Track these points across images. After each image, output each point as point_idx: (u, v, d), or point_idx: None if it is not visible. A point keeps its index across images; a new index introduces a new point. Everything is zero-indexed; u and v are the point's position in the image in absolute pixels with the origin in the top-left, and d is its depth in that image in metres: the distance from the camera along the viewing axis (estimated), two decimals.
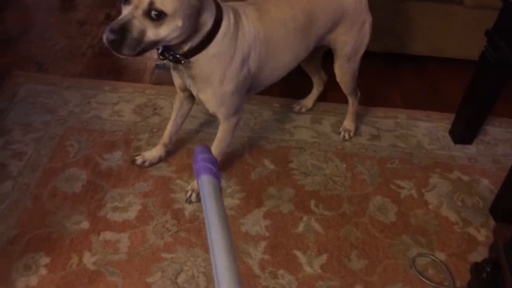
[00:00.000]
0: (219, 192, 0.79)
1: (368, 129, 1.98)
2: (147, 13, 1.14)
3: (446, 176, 1.80)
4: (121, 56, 1.21)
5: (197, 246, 1.47)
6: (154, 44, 1.20)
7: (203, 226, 1.52)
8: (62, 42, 2.31)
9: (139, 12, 1.14)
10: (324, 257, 1.48)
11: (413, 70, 2.36)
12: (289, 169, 1.76)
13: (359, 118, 1.98)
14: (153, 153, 1.70)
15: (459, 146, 1.93)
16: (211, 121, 1.92)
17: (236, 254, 1.41)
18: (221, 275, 0.60)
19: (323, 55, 1.88)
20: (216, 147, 1.55)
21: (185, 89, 1.53)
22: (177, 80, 1.52)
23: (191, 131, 1.87)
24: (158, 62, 1.39)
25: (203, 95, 1.43)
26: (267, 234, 1.52)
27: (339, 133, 1.92)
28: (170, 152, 1.75)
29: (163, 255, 1.43)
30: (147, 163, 1.69)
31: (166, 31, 1.17)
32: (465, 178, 1.79)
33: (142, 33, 1.16)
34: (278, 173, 1.74)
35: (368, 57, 2.31)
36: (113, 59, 2.23)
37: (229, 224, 0.62)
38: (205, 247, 1.46)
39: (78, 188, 1.60)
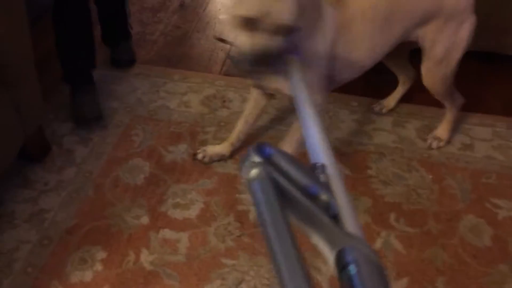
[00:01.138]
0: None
1: (460, 137, 1.74)
2: (282, 31, 1.06)
3: None
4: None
5: (260, 254, 1.34)
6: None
7: None
8: (135, 29, 2.26)
9: (269, 33, 1.05)
10: (404, 281, 1.29)
11: None
12: (367, 176, 1.58)
13: None
14: (217, 149, 1.60)
15: None
16: (282, 118, 1.78)
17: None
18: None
19: (412, 50, 1.67)
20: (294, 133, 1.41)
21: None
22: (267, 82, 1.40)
23: (261, 127, 1.74)
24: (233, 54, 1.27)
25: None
26: None
27: (426, 140, 1.71)
28: (237, 149, 1.63)
29: (224, 261, 1.32)
30: (206, 159, 1.59)
31: (298, 40, 1.11)
32: None
33: (282, 51, 1.07)
34: (355, 179, 1.57)
35: (465, 55, 2.07)
36: (184, 48, 2.16)
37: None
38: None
39: (140, 180, 1.53)
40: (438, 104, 1.69)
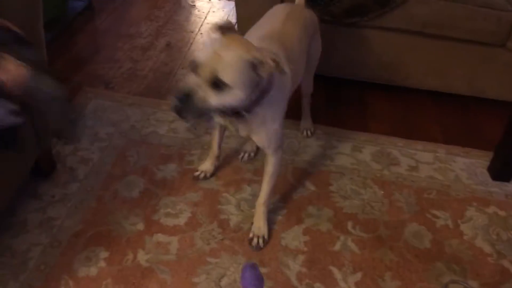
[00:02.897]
0: None
1: (407, 160, 2.06)
2: (210, 83, 1.17)
3: (483, 210, 1.85)
4: (186, 123, 1.24)
5: (239, 254, 1.58)
6: (217, 111, 1.24)
7: (246, 236, 1.64)
8: (127, 65, 2.55)
9: (203, 81, 1.18)
10: (359, 275, 1.56)
11: (455, 107, 2.44)
12: (329, 192, 1.86)
13: (399, 149, 2.08)
14: (208, 165, 1.86)
15: (497, 182, 1.98)
16: None
17: (275, 265, 1.52)
18: None
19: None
20: (269, 181, 1.61)
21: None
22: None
23: (237, 149, 2.01)
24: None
25: (256, 136, 1.50)
26: (305, 249, 1.62)
27: (302, 132, 2.11)
28: (218, 168, 1.90)
29: (209, 259, 1.56)
30: (208, 175, 1.85)
31: (228, 100, 1.21)
32: (502, 213, 1.84)
33: (205, 101, 1.19)
34: (318, 194, 1.85)
35: (414, 92, 2.43)
36: (171, 82, 2.44)
37: None
38: (247, 255, 1.57)
39: (135, 194, 1.77)
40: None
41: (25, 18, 1.38)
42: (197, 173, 1.85)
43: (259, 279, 0.99)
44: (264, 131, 1.49)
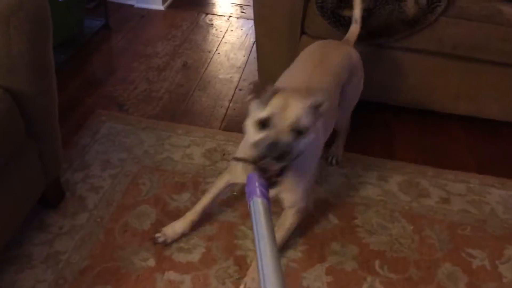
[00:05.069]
0: (269, 212, 0.97)
1: (438, 191, 1.92)
2: (289, 130, 1.18)
3: None
4: (263, 174, 1.17)
5: None
6: (296, 157, 1.21)
7: None
8: (142, 86, 2.47)
9: (281, 130, 1.17)
10: None
11: (487, 134, 2.29)
12: (354, 226, 1.73)
13: (429, 179, 1.94)
14: (177, 228, 1.61)
15: None
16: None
17: None
18: (268, 280, 0.74)
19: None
20: (284, 235, 1.53)
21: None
22: (240, 176, 1.49)
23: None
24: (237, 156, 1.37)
25: (286, 193, 1.45)
26: None
27: (328, 158, 2.01)
28: (236, 198, 1.78)
29: None
30: (169, 241, 1.59)
31: (307, 142, 1.22)
32: None
33: (291, 147, 1.18)
34: (342, 228, 1.72)
35: (443, 118, 2.30)
36: (187, 104, 2.35)
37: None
38: None
39: (147, 226, 1.66)
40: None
41: (34, 43, 1.30)
42: (158, 235, 1.60)
43: (265, 185, 1.04)
44: (295, 186, 1.44)
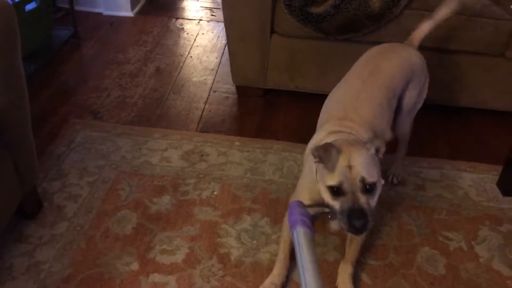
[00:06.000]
0: (312, 241, 0.98)
1: (413, 179, 1.97)
2: (362, 191, 1.20)
3: (496, 228, 1.75)
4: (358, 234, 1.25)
5: None
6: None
7: (248, 271, 1.53)
8: (115, 93, 2.45)
9: (355, 194, 1.19)
10: None
11: (459, 121, 2.36)
12: None
13: (404, 168, 1.99)
14: (279, 278, 1.51)
15: (508, 198, 1.89)
16: (255, 168, 1.97)
17: None
18: None
19: None
20: (359, 241, 1.52)
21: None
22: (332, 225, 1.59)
23: (236, 177, 1.91)
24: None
25: None
26: None
27: (388, 176, 1.93)
28: (216, 198, 1.80)
29: None
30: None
31: (379, 194, 1.24)
32: None
33: (371, 207, 1.21)
34: (323, 220, 1.75)
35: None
36: (162, 108, 2.35)
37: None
38: None
39: (128, 230, 1.65)
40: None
41: (3, 55, 1.29)
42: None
43: (307, 214, 1.04)
44: None
